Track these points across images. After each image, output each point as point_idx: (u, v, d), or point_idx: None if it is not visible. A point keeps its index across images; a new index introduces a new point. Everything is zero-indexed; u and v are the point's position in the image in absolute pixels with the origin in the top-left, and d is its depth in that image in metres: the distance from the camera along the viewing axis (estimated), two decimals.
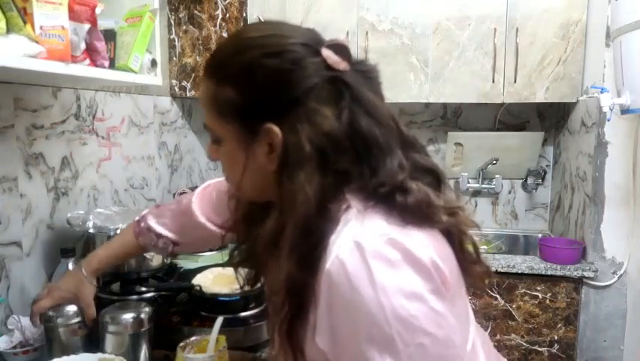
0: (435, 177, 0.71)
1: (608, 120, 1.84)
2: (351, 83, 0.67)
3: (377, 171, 0.66)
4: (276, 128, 0.67)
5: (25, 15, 0.89)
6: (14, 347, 1.15)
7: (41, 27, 0.91)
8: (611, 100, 1.67)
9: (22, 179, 1.26)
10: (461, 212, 0.70)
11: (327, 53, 0.67)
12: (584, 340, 2.08)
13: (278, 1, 2.27)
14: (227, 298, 1.30)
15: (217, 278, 1.40)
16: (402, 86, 2.31)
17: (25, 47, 0.88)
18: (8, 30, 0.87)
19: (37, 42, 0.90)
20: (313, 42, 0.69)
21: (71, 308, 1.11)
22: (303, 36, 0.69)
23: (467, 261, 0.71)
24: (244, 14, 1.92)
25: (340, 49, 0.68)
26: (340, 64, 0.67)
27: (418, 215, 0.65)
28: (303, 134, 0.65)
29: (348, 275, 0.60)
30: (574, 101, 2.22)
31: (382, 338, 0.59)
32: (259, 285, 0.87)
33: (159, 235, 1.09)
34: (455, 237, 0.69)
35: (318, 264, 0.62)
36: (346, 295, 0.60)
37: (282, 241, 0.66)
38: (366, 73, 0.71)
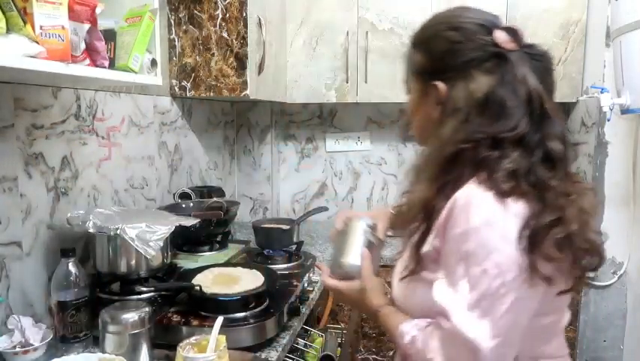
0: (548, 159, 0.82)
1: (608, 120, 1.84)
2: (511, 60, 0.83)
3: (497, 135, 0.82)
4: (442, 86, 0.88)
5: (25, 15, 0.89)
6: (14, 347, 1.15)
7: (41, 27, 0.91)
8: (611, 100, 1.67)
9: (22, 179, 1.26)
10: (576, 198, 0.81)
11: (498, 33, 0.85)
12: (584, 340, 2.08)
13: (278, 0, 2.27)
14: (227, 298, 1.30)
15: (217, 278, 1.40)
16: (402, 86, 2.31)
17: (25, 47, 0.88)
18: (8, 30, 0.87)
19: (37, 42, 0.90)
20: (489, 24, 0.87)
21: None
22: (482, 18, 0.88)
23: (577, 249, 0.80)
24: (244, 14, 1.92)
25: (513, 32, 0.85)
26: (508, 44, 0.84)
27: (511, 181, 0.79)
28: (460, 93, 0.85)
29: (468, 202, 0.79)
30: (574, 101, 2.22)
31: (466, 253, 0.78)
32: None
33: None
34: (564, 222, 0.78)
35: (451, 194, 0.82)
36: (460, 219, 0.79)
37: (425, 170, 0.88)
38: (534, 55, 0.85)
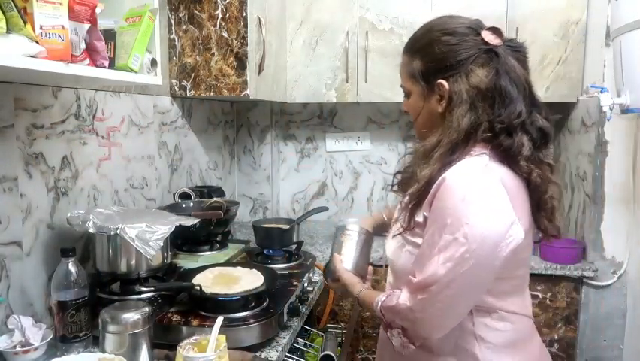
0: (542, 136, 1.00)
1: (608, 120, 1.84)
2: (500, 54, 0.99)
3: (501, 114, 0.98)
4: (445, 83, 1.02)
5: (25, 15, 0.89)
6: (14, 347, 1.15)
7: (41, 27, 0.91)
8: (611, 99, 1.67)
9: (22, 179, 1.26)
10: (547, 170, 1.01)
11: (485, 33, 1.00)
12: (584, 339, 2.08)
13: (278, 0, 2.27)
14: (226, 298, 1.30)
15: (217, 278, 1.40)
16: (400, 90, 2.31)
17: (25, 47, 0.88)
18: (8, 30, 0.87)
19: (37, 42, 0.90)
20: (475, 26, 1.03)
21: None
22: (469, 22, 1.05)
23: (540, 215, 1.04)
24: (244, 14, 1.92)
25: (496, 30, 1.01)
26: (494, 40, 1.00)
27: (507, 156, 0.98)
28: (463, 86, 0.99)
29: (453, 181, 0.95)
30: (574, 100, 2.22)
31: (444, 224, 0.94)
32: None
33: None
34: (534, 188, 1.00)
35: (448, 169, 0.97)
36: (445, 192, 0.95)
37: (433, 152, 1.01)
38: (514, 47, 1.03)
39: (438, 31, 1.05)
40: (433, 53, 1.04)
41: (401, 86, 1.16)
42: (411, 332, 1.01)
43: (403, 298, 1.00)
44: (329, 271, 1.27)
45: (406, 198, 1.06)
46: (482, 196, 0.94)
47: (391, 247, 1.14)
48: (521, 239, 0.94)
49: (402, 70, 1.13)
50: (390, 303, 1.03)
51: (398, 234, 1.08)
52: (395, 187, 1.19)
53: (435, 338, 1.02)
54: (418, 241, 1.02)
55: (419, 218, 1.03)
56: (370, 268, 1.30)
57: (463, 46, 1.01)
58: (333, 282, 1.26)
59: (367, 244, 1.31)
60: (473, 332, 1.04)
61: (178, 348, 1.01)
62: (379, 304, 1.06)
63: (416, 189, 1.02)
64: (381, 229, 1.38)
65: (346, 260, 1.25)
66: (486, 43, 1.00)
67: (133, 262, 1.36)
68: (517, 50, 1.03)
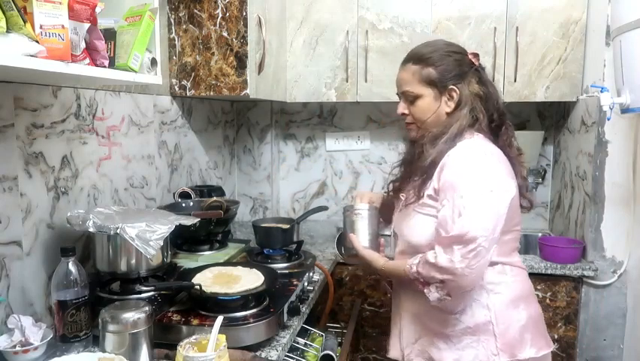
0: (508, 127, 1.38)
1: (608, 119, 1.83)
2: (479, 69, 1.36)
3: (489, 109, 1.34)
4: (457, 88, 1.32)
5: (25, 14, 0.89)
6: (14, 346, 1.15)
7: (41, 26, 0.91)
8: (611, 99, 1.67)
9: (22, 178, 1.26)
10: (521, 154, 1.41)
11: (471, 55, 1.36)
12: (584, 339, 2.09)
13: (278, 0, 2.27)
14: (226, 298, 1.30)
15: (217, 277, 1.40)
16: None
17: (25, 46, 0.88)
18: (8, 29, 0.87)
19: (37, 41, 0.90)
20: (464, 51, 1.37)
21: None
22: (460, 46, 1.39)
23: (521, 188, 1.34)
24: (244, 13, 1.92)
25: (475, 55, 1.36)
26: (476, 61, 1.36)
27: (495, 136, 1.35)
28: (467, 91, 1.32)
29: (460, 155, 1.27)
30: (574, 100, 2.22)
31: (452, 186, 1.23)
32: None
33: None
34: (516, 164, 1.36)
35: (449, 151, 1.28)
36: (451, 168, 1.26)
37: (439, 139, 1.30)
38: (481, 66, 1.37)
39: (446, 50, 1.34)
40: (447, 64, 1.32)
41: (402, 92, 1.37)
42: (451, 284, 1.20)
43: (440, 255, 1.20)
44: (346, 248, 1.47)
45: (415, 176, 1.34)
46: (484, 163, 1.25)
47: (404, 221, 1.38)
48: (515, 190, 1.27)
49: (409, 77, 1.35)
50: (431, 260, 1.21)
51: (410, 203, 1.34)
52: (391, 193, 1.48)
53: (472, 287, 1.25)
54: (431, 210, 1.29)
55: (429, 191, 1.29)
56: (382, 239, 1.50)
57: (463, 61, 1.34)
58: (350, 258, 1.49)
59: (376, 219, 1.48)
60: (483, 285, 1.29)
61: (178, 347, 1.01)
62: (415, 267, 1.26)
63: (427, 166, 1.29)
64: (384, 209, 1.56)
65: (362, 238, 1.44)
66: (472, 62, 1.35)
67: (133, 261, 1.36)
68: (482, 68, 1.38)
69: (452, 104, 1.32)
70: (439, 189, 1.26)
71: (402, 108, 1.38)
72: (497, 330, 1.28)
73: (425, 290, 1.24)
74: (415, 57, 1.35)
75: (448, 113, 1.33)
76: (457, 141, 1.29)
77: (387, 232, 1.54)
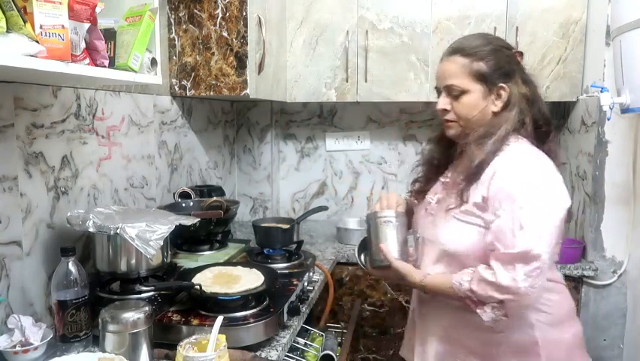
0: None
1: (608, 119, 1.83)
2: (524, 70, 1.28)
3: (537, 117, 1.26)
4: (506, 86, 1.22)
5: (25, 14, 0.89)
6: (14, 346, 1.15)
7: (41, 26, 0.91)
8: (611, 99, 1.67)
9: (22, 178, 1.26)
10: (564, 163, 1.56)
11: (514, 51, 1.28)
12: (584, 339, 2.08)
13: (278, 0, 2.27)
14: (226, 298, 1.30)
15: (217, 277, 1.40)
16: (402, 85, 2.31)
17: (25, 46, 0.88)
18: (8, 29, 0.87)
19: (37, 41, 0.90)
20: (512, 46, 1.30)
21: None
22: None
23: None
24: (244, 13, 1.92)
25: (520, 53, 1.30)
26: (521, 60, 1.28)
27: (541, 141, 1.25)
28: (516, 91, 1.23)
29: (513, 164, 1.19)
30: (574, 100, 2.22)
31: (509, 195, 1.15)
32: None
33: None
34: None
35: (499, 153, 1.20)
36: (509, 173, 1.17)
37: (486, 140, 1.20)
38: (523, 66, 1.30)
39: (497, 44, 1.25)
40: (498, 60, 1.22)
41: (446, 86, 1.26)
42: (511, 304, 1.12)
43: (501, 272, 1.11)
44: (375, 260, 1.33)
45: (458, 178, 1.24)
46: (542, 172, 1.17)
47: (438, 227, 1.27)
48: (570, 201, 1.18)
49: (456, 70, 1.23)
50: (489, 278, 1.12)
51: (451, 209, 1.23)
52: (413, 194, 1.40)
53: (530, 307, 1.18)
54: (476, 220, 1.19)
55: (476, 198, 1.19)
56: (411, 249, 1.38)
57: (513, 59, 1.25)
58: (377, 269, 1.34)
59: (405, 228, 1.37)
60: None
61: (178, 347, 1.01)
62: (467, 284, 1.16)
63: (471, 168, 1.20)
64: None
65: (392, 248, 1.31)
66: (518, 62, 1.27)
67: (133, 261, 1.36)
68: (524, 70, 1.29)
69: (500, 104, 1.23)
70: (490, 198, 1.16)
71: (444, 104, 1.26)
72: (543, 352, 1.21)
73: (478, 310, 1.15)
74: (465, 49, 1.23)
75: (494, 113, 1.23)
76: (504, 144, 1.20)
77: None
